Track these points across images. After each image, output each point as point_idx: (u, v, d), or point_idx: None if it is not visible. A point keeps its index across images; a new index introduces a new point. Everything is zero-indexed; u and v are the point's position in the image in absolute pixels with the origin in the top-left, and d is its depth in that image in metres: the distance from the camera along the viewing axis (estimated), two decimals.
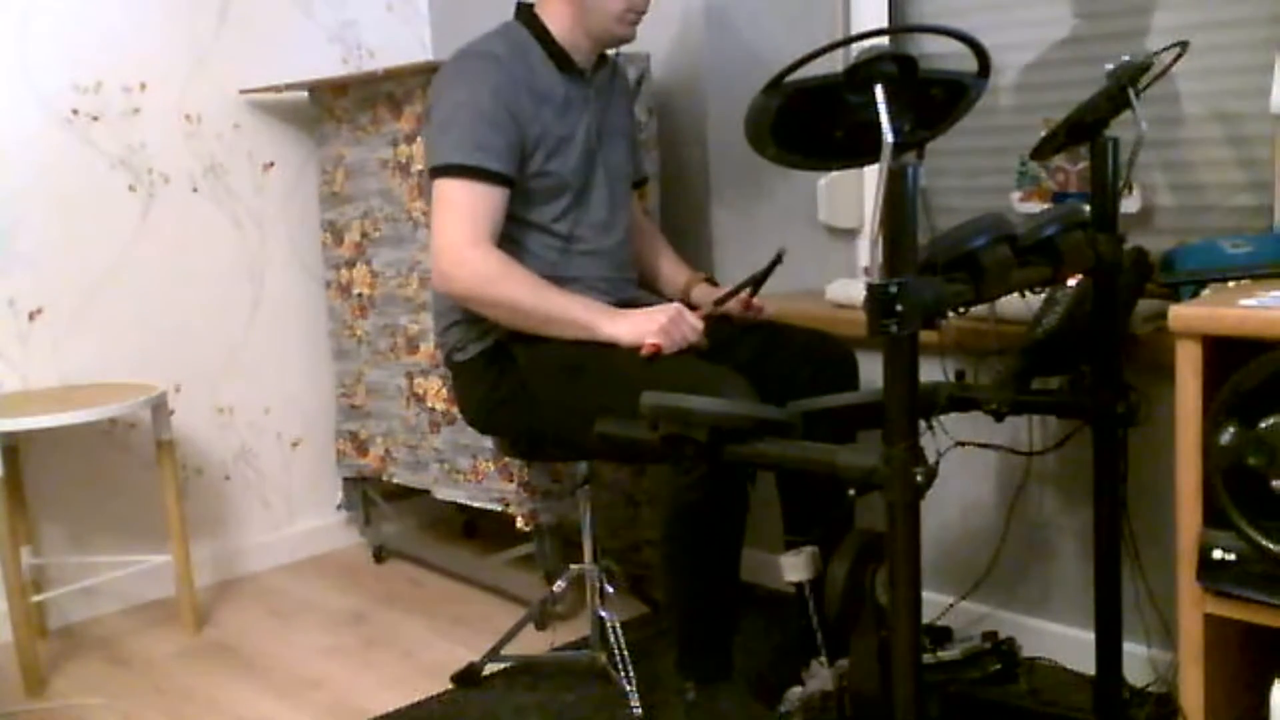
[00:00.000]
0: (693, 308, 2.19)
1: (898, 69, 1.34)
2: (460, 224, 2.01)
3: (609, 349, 1.99)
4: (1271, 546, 1.48)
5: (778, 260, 2.12)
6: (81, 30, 2.76)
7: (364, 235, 2.92)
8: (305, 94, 3.06)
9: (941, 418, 1.97)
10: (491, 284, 2.00)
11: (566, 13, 2.13)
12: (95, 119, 2.79)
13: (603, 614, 2.29)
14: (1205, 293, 1.83)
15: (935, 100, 1.60)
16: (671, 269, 2.40)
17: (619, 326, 1.96)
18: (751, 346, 2.12)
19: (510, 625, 2.41)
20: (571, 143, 2.13)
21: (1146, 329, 1.95)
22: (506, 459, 2.56)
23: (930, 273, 1.39)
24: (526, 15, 2.17)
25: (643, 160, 2.52)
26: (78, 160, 2.77)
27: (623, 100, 2.32)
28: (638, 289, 2.31)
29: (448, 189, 2.02)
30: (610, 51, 2.26)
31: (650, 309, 2.00)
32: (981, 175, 2.54)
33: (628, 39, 2.18)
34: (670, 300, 2.27)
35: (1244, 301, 1.55)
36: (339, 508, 3.28)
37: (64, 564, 2.78)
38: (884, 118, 1.30)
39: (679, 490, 1.87)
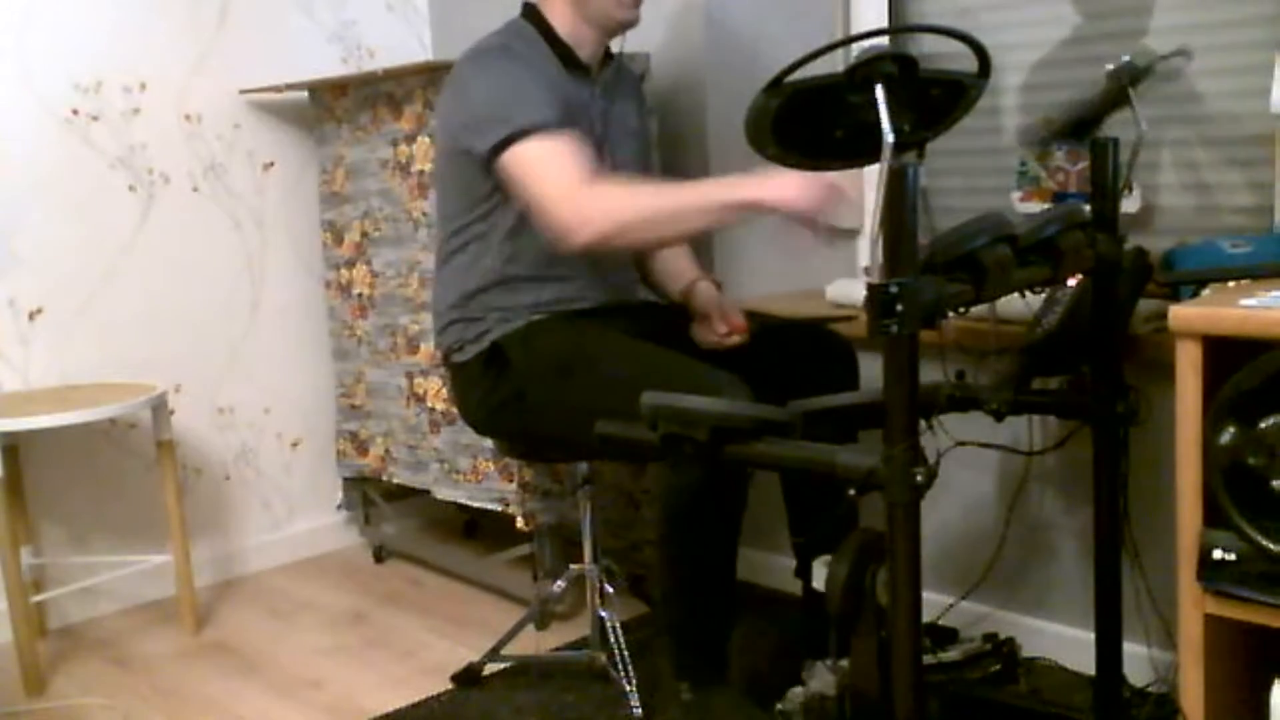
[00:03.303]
0: (688, 311, 2.18)
1: (898, 69, 1.34)
2: (558, 174, 1.92)
3: (601, 349, 1.98)
4: (1271, 546, 1.48)
5: None
6: (81, 30, 2.76)
7: (364, 235, 2.92)
8: (305, 94, 3.06)
9: (941, 418, 1.97)
10: (622, 210, 1.89)
11: (567, 8, 2.12)
12: (95, 119, 2.80)
13: (603, 614, 2.29)
14: (1205, 293, 1.83)
15: (935, 100, 1.60)
16: (682, 264, 2.33)
17: (762, 188, 1.77)
18: (751, 342, 2.11)
19: (510, 625, 2.41)
20: (579, 137, 2.13)
21: (1146, 329, 1.95)
22: (506, 459, 2.56)
23: (930, 273, 1.39)
24: (532, 14, 2.17)
25: (654, 162, 2.51)
26: (77, 160, 2.77)
27: (631, 99, 2.30)
28: (637, 290, 2.30)
29: (523, 152, 1.94)
30: (614, 49, 2.26)
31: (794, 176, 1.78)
32: (981, 175, 2.54)
33: (631, 22, 2.15)
34: (672, 297, 2.26)
35: (1244, 301, 1.54)
36: (339, 508, 3.28)
37: (64, 564, 2.78)
38: (884, 118, 1.30)
39: (674, 490, 1.87)
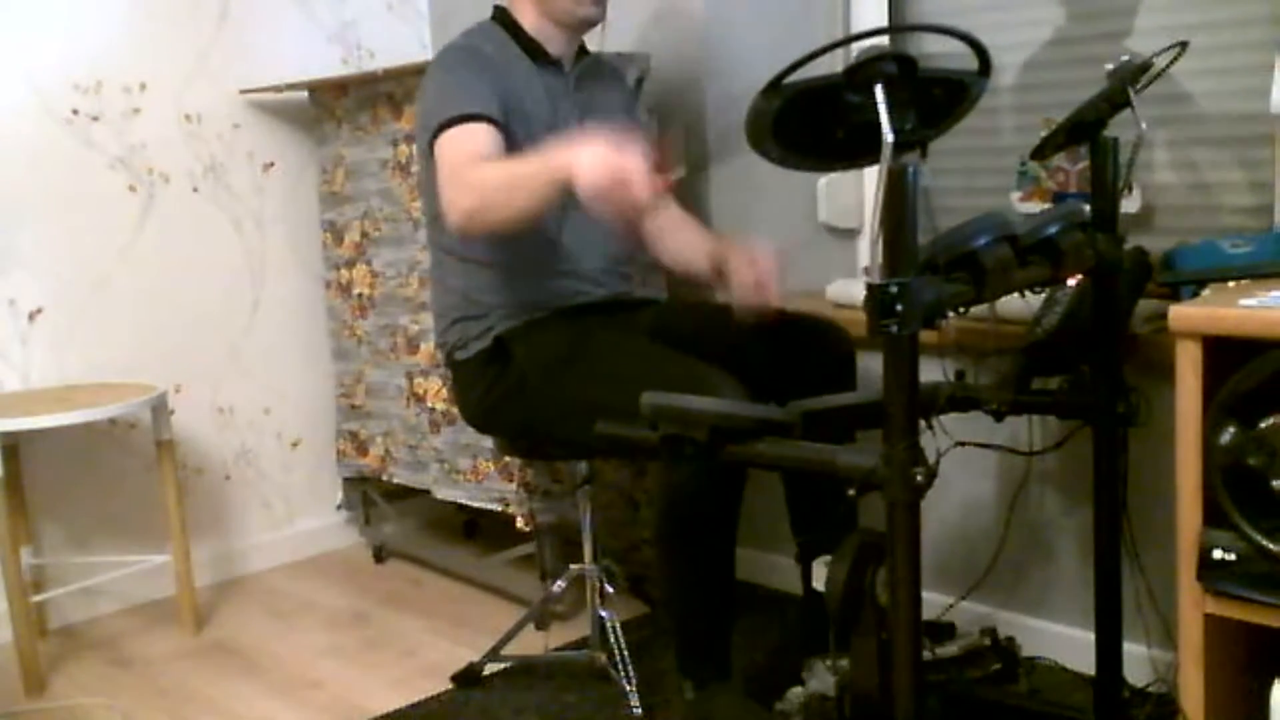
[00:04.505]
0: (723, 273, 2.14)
1: (898, 69, 1.34)
2: (452, 156, 1.95)
3: (601, 345, 1.98)
4: (1271, 546, 1.48)
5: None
6: (81, 30, 2.76)
7: (364, 235, 2.92)
8: (305, 94, 3.06)
9: (941, 418, 1.97)
10: (480, 182, 1.89)
11: (530, 5, 2.16)
12: (95, 119, 2.79)
13: (603, 614, 2.29)
14: (1205, 293, 1.83)
15: (936, 99, 1.60)
16: (694, 235, 2.27)
17: (567, 160, 1.74)
18: (749, 335, 2.11)
19: (510, 625, 2.41)
20: (551, 129, 2.13)
21: (1146, 329, 1.95)
22: (506, 459, 2.56)
23: (931, 272, 1.39)
24: (501, 14, 2.21)
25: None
26: (78, 160, 2.77)
27: (614, 94, 2.31)
28: (630, 285, 2.30)
29: (442, 141, 1.98)
30: (593, 47, 2.28)
31: (602, 147, 1.73)
32: (981, 175, 2.54)
33: (593, 18, 2.17)
34: (698, 268, 2.21)
35: (1244, 301, 1.55)
36: (339, 508, 3.28)
37: (64, 564, 2.78)
38: (884, 117, 1.29)
39: (671, 487, 1.88)
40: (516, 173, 1.88)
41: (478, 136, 1.98)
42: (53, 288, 2.75)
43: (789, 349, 2.09)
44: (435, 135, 2.00)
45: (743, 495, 1.90)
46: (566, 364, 2.01)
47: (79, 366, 2.80)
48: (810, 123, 1.51)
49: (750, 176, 2.70)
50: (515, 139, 2.06)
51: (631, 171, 1.68)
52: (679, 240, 2.29)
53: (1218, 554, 1.55)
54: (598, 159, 1.69)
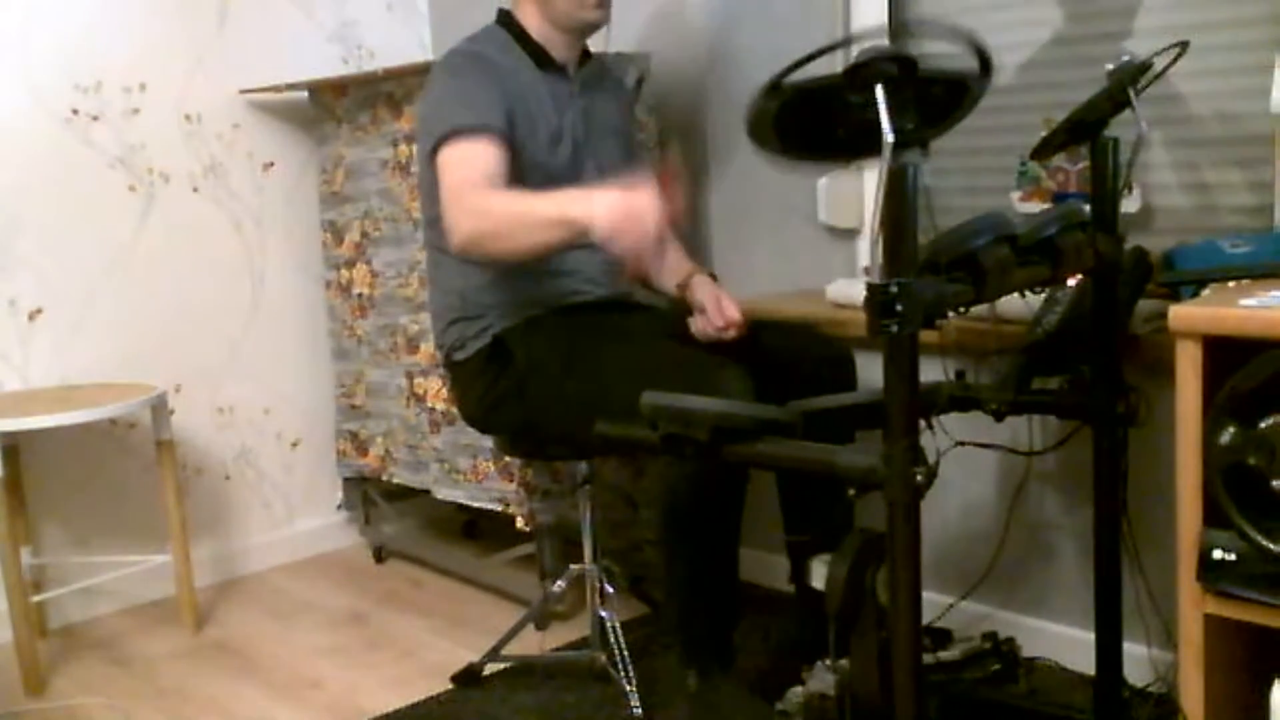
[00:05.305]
0: (686, 304, 2.18)
1: (898, 68, 1.34)
2: (459, 173, 1.97)
3: (601, 343, 1.99)
4: (1271, 546, 1.48)
5: None
6: (81, 30, 2.76)
7: (364, 235, 2.92)
8: (305, 94, 3.06)
9: (941, 418, 1.97)
10: (491, 212, 1.91)
11: (534, 10, 2.16)
12: (95, 119, 2.80)
13: (603, 614, 2.29)
14: (1205, 293, 1.83)
15: (937, 98, 1.60)
16: (677, 259, 2.30)
17: (582, 208, 1.79)
18: (748, 346, 2.12)
19: (510, 625, 2.41)
20: (557, 136, 2.14)
21: (1146, 329, 1.95)
22: (507, 459, 2.56)
23: (930, 273, 1.39)
24: (505, 19, 2.21)
25: (645, 161, 2.51)
26: (77, 160, 2.77)
27: (615, 98, 2.32)
28: (630, 285, 2.30)
29: (446, 155, 1.99)
30: (597, 48, 2.28)
31: (618, 192, 1.79)
32: (981, 175, 2.54)
33: (597, 22, 2.17)
34: (668, 293, 2.25)
35: (1244, 301, 1.54)
36: (339, 508, 3.28)
37: (64, 564, 2.78)
38: (884, 118, 1.29)
39: (674, 481, 1.88)
40: (529, 211, 1.88)
41: (483, 155, 1.98)
42: (53, 288, 2.75)
43: (788, 361, 2.10)
44: (439, 144, 2.00)
45: (745, 490, 1.91)
46: (565, 363, 2.01)
47: (79, 366, 2.80)
48: (812, 121, 1.51)
49: (750, 176, 2.70)
50: (519, 145, 2.06)
51: (645, 206, 1.72)
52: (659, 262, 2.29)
53: (1218, 554, 1.55)
54: (613, 201, 1.74)
